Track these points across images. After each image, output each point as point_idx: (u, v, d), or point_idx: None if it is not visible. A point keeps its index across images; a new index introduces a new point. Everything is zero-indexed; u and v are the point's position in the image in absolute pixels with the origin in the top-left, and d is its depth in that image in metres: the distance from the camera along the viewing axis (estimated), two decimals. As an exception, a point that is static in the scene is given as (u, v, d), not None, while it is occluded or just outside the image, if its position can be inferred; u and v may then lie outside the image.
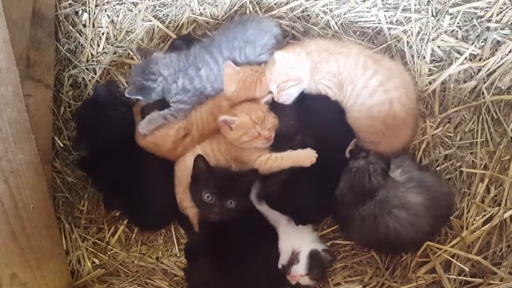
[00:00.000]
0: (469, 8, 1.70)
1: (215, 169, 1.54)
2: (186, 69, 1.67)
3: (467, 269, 1.32)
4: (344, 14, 1.86)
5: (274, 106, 1.64)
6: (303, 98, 1.64)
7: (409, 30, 1.77)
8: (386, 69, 1.53)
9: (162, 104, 1.71)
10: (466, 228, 1.40)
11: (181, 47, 1.78)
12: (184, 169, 1.56)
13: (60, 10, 1.88)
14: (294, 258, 1.53)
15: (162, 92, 1.69)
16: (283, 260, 1.56)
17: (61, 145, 1.77)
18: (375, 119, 1.54)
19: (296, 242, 1.57)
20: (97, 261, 1.68)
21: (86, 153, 1.79)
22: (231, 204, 1.48)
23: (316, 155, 1.51)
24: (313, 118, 1.62)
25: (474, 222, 1.40)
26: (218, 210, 1.47)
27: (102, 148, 1.68)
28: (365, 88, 1.53)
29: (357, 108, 1.57)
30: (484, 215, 1.39)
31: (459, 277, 1.34)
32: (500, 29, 1.63)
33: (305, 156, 1.52)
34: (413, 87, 1.61)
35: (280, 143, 1.58)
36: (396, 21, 1.80)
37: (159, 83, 1.66)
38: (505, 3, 1.64)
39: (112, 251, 1.72)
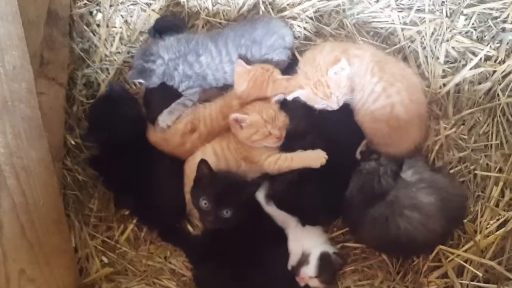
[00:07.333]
0: (484, 9, 1.69)
1: (217, 175, 1.53)
2: (185, 55, 1.68)
3: (480, 274, 1.30)
4: (357, 15, 1.86)
5: (284, 105, 1.64)
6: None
7: (423, 31, 1.75)
8: (389, 75, 1.53)
9: (164, 88, 1.73)
10: (480, 233, 1.38)
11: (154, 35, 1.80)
12: (193, 168, 1.55)
13: (75, 10, 1.91)
14: (304, 260, 1.51)
15: (163, 76, 1.70)
16: (292, 261, 1.54)
17: (73, 143, 1.79)
18: (379, 122, 1.54)
19: (306, 243, 1.55)
20: (105, 260, 1.68)
21: (97, 151, 1.80)
22: (227, 213, 1.47)
23: (326, 156, 1.50)
24: (324, 119, 1.61)
25: (488, 226, 1.38)
26: (212, 218, 1.47)
27: (114, 146, 1.69)
28: (371, 94, 1.54)
29: (362, 112, 1.58)
30: (498, 219, 1.38)
31: (472, 283, 1.31)
32: (516, 30, 1.61)
33: (315, 157, 1.51)
34: (420, 89, 1.59)
35: (290, 143, 1.58)
36: (410, 21, 1.79)
37: (158, 66, 1.67)
38: (521, 4, 1.63)
39: (120, 250, 1.72)
